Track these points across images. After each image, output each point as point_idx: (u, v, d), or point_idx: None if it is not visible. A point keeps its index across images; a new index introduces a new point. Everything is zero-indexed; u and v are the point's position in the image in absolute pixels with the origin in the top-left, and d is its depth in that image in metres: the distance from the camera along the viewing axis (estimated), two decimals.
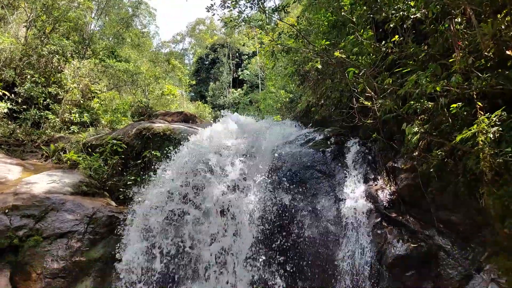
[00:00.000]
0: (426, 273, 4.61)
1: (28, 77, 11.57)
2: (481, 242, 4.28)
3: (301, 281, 6.00)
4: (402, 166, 5.85)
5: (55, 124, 11.36)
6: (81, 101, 12.66)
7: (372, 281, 5.15)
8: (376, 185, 6.33)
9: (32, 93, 11.32)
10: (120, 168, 9.00)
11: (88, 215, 7.25)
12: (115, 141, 8.85)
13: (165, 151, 8.24)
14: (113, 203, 8.28)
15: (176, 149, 7.94)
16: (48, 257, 6.49)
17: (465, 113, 4.50)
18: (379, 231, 5.52)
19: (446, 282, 4.33)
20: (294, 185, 7.01)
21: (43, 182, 7.72)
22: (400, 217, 5.45)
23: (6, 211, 6.69)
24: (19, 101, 11.27)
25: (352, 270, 5.36)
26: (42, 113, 11.28)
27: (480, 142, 3.91)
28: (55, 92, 11.89)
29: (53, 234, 6.78)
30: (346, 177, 6.74)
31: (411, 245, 4.86)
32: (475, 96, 4.33)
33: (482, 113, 4.06)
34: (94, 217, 7.29)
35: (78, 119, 11.91)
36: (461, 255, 4.37)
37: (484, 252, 4.18)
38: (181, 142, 8.42)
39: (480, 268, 4.05)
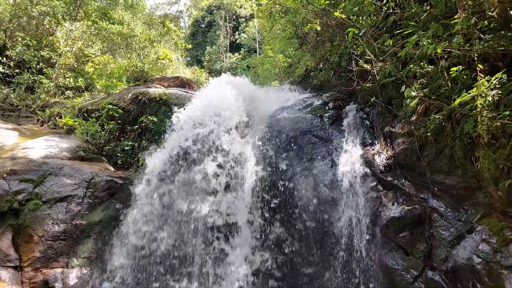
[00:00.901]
0: (419, 234, 4.73)
1: (19, 39, 11.25)
2: (474, 204, 4.37)
3: (297, 241, 6.18)
4: (400, 130, 5.85)
5: (49, 89, 11.19)
6: (75, 65, 12.40)
7: (366, 241, 5.29)
8: (373, 149, 6.36)
9: (24, 57, 11.06)
10: (117, 134, 8.97)
11: (87, 179, 7.31)
12: (111, 106, 8.76)
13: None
14: (111, 168, 8.32)
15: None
16: (49, 220, 6.60)
17: (465, 76, 4.44)
18: (374, 195, 5.61)
19: (438, 243, 4.45)
20: (291, 150, 7.03)
21: (40, 147, 7.71)
22: (396, 181, 5.52)
23: (4, 175, 6.72)
24: (11, 65, 11.03)
25: (347, 231, 5.50)
26: (35, 78, 11.08)
27: (479, 105, 3.88)
28: (48, 56, 11.61)
29: (52, 198, 6.85)
30: (343, 142, 6.76)
31: (406, 207, 4.96)
32: (475, 59, 4.25)
33: (482, 75, 4.00)
34: (92, 182, 7.35)
35: (73, 84, 11.72)
36: (454, 217, 4.47)
37: (477, 214, 4.27)
38: (179, 107, 8.33)
39: (472, 229, 4.15)
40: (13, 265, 6.05)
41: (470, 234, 4.14)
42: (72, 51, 12.44)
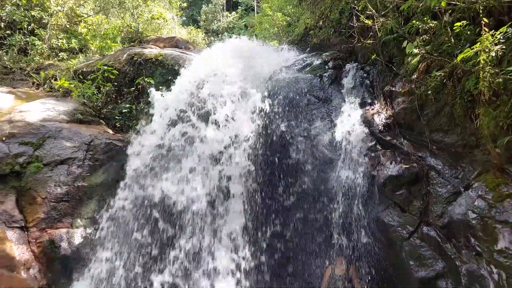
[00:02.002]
0: (416, 191, 4.80)
1: None
2: (472, 162, 4.40)
3: (295, 198, 6.31)
4: (400, 89, 5.77)
5: (42, 50, 10.90)
6: (68, 26, 12.02)
7: (363, 199, 5.39)
8: (372, 109, 6.31)
9: (14, 17, 10.68)
10: (114, 96, 8.87)
11: (86, 142, 7.31)
12: (106, 67, 8.59)
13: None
14: (110, 131, 8.31)
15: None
16: (51, 182, 6.69)
17: (468, 32, 4.31)
18: (373, 154, 5.64)
19: (435, 200, 4.53)
20: (290, 112, 6.98)
21: (37, 110, 7.64)
22: (395, 140, 5.52)
23: (4, 138, 6.71)
24: (2, 26, 10.69)
25: (344, 190, 5.58)
26: (28, 39, 10.76)
27: (482, 61, 3.80)
28: (39, 16, 11.22)
29: (53, 161, 6.90)
30: (343, 102, 6.70)
31: (404, 166, 5.00)
32: (480, 12, 4.10)
33: (486, 30, 3.88)
34: (92, 144, 7.36)
35: (66, 45, 11.40)
36: (452, 174, 4.52)
37: (474, 171, 4.31)
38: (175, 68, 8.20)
39: (469, 186, 4.21)
40: (18, 225, 6.19)
41: (467, 190, 4.21)
42: (63, 10, 12.00)
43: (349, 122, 6.17)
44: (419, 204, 4.72)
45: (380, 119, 5.92)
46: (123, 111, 8.52)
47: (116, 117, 8.52)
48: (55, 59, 10.93)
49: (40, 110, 7.66)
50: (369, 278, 5.22)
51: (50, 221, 6.44)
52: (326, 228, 5.84)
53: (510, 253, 3.44)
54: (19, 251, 5.93)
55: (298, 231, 6.34)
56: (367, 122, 5.96)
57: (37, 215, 6.37)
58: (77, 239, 6.46)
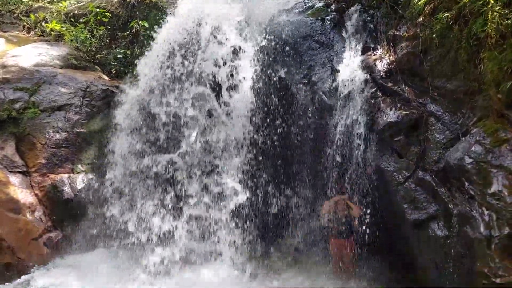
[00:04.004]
0: (414, 137, 4.82)
1: None
2: (472, 108, 4.36)
3: (294, 145, 6.37)
4: (404, 34, 5.58)
5: None
6: None
7: (362, 146, 5.42)
8: (375, 55, 6.15)
9: None
10: (108, 40, 8.59)
11: (82, 88, 7.21)
12: (98, 10, 8.22)
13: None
14: (106, 77, 8.15)
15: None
16: (49, 128, 6.68)
17: None
18: (373, 101, 5.58)
19: (433, 145, 4.55)
20: (290, 57, 6.81)
21: (30, 55, 7.43)
22: (396, 87, 5.44)
23: None
24: None
25: (343, 137, 5.60)
26: None
27: (491, 0, 3.63)
28: None
29: (49, 107, 6.84)
30: (345, 47, 6.50)
31: (403, 112, 4.96)
32: None
33: None
34: (88, 91, 7.26)
35: None
36: (451, 120, 4.50)
37: (473, 117, 4.28)
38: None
39: (468, 131, 4.21)
40: (20, 170, 6.28)
41: (465, 136, 4.21)
42: None
43: (351, 68, 6.04)
44: (416, 150, 4.75)
45: (382, 65, 5.78)
46: (118, 56, 8.30)
47: (111, 62, 8.31)
48: (45, 1, 10.42)
49: (33, 54, 7.45)
50: (365, 221, 5.40)
51: (51, 167, 6.52)
52: (323, 172, 5.94)
53: (502, 196, 3.52)
54: (23, 194, 6.06)
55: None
56: (369, 68, 5.83)
57: (38, 161, 6.44)
58: (79, 184, 6.59)
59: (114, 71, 8.29)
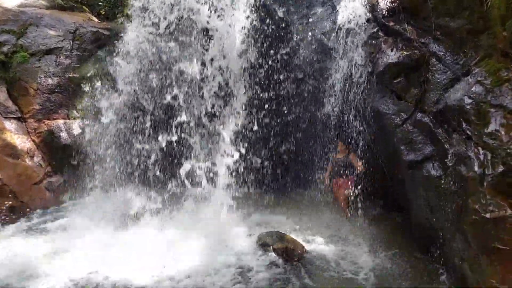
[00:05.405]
0: (414, 79, 4.74)
1: None
2: (475, 47, 4.23)
3: (294, 84, 6.30)
4: None
5: None
6: None
7: (361, 89, 5.36)
8: None
9: None
10: None
11: (71, 30, 6.92)
12: None
13: None
14: (95, 19, 7.80)
15: None
16: (41, 73, 6.51)
17: None
18: (373, 41, 5.42)
19: (433, 86, 4.49)
20: None
21: None
22: (398, 26, 5.24)
23: None
24: None
25: (343, 78, 5.52)
26: None
27: None
28: None
29: (38, 50, 6.60)
30: None
31: (404, 52, 4.84)
32: None
33: None
34: (77, 33, 6.98)
35: None
36: (453, 61, 4.40)
37: (476, 57, 4.17)
38: None
39: (469, 71, 4.13)
40: (15, 116, 6.21)
41: (466, 76, 4.14)
42: None
43: (352, 6, 5.77)
44: (416, 92, 4.70)
45: (384, 3, 5.52)
46: None
47: (100, 3, 7.90)
48: None
49: None
50: (363, 164, 5.50)
51: (46, 112, 6.45)
52: (326, 118, 5.93)
53: (498, 135, 3.54)
54: (20, 140, 6.05)
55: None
56: (371, 6, 5.59)
57: (32, 107, 6.34)
58: (76, 130, 6.57)
59: (103, 12, 7.91)
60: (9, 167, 5.77)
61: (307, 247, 4.83)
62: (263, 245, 4.79)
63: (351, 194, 5.53)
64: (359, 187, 5.46)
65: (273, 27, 6.34)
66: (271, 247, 4.67)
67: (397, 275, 4.24)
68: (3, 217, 5.54)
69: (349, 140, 5.60)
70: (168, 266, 4.32)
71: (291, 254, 4.55)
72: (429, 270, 4.29)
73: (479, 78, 3.94)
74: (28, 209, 5.86)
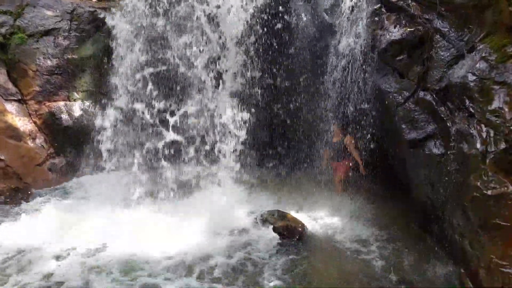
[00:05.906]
0: (417, 56, 4.66)
1: None
2: (480, 24, 4.13)
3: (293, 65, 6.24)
4: None
5: None
6: None
7: (363, 67, 5.30)
8: None
9: None
10: None
11: (68, 11, 6.82)
12: None
13: None
14: None
15: None
16: (39, 55, 6.45)
17: None
18: (376, 18, 5.29)
19: (436, 64, 4.41)
20: None
21: None
22: (401, 2, 5.08)
23: None
24: None
25: (345, 56, 5.45)
26: None
27: None
28: None
29: (36, 31, 6.52)
30: None
31: (408, 29, 4.74)
32: None
33: None
34: (75, 13, 6.88)
35: None
36: (457, 37, 4.31)
37: (481, 33, 4.08)
38: None
39: (473, 48, 4.05)
40: (15, 98, 6.20)
41: (470, 53, 4.07)
42: None
43: None
44: (418, 69, 4.63)
45: None
46: None
47: None
48: None
49: None
50: (363, 144, 5.49)
51: (46, 94, 6.43)
52: (322, 95, 5.90)
53: (502, 112, 3.51)
54: (21, 122, 6.05)
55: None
56: None
57: (32, 88, 6.31)
58: (77, 111, 6.56)
59: None
60: (12, 149, 5.80)
61: (309, 226, 4.90)
62: (265, 222, 4.89)
63: (347, 175, 5.58)
64: (358, 168, 5.48)
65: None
66: (272, 225, 4.74)
67: (399, 252, 4.32)
68: (7, 198, 5.60)
69: (346, 122, 5.59)
70: (173, 242, 4.47)
71: (292, 232, 4.62)
72: (429, 246, 4.37)
73: (483, 54, 3.87)
74: (32, 190, 5.91)
